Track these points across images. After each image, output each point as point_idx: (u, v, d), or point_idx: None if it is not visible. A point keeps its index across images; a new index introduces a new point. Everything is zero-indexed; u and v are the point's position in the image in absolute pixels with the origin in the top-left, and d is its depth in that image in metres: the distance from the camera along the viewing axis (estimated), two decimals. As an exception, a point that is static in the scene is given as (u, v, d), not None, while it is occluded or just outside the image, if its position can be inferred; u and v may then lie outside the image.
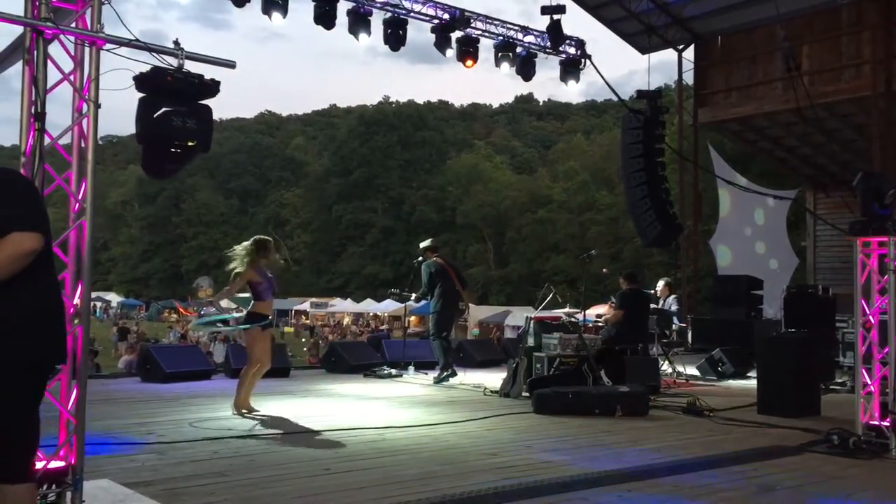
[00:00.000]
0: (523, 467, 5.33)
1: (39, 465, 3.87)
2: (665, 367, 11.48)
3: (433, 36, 13.64)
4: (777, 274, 18.68)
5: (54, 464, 3.93)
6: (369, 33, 12.98)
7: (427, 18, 13.57)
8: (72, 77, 4.24)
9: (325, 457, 5.58)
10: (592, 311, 11.92)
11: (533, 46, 14.77)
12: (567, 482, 4.84)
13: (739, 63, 17.68)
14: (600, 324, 11.10)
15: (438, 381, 10.45)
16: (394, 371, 11.26)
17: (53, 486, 3.92)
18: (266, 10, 11.88)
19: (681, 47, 19.00)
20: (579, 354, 8.78)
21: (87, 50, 4.31)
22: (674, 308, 12.66)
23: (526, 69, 15.04)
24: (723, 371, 12.06)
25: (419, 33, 14.12)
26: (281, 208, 78.09)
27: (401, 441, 6.18)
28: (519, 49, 14.62)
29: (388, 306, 56.64)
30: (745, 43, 17.57)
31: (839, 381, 11.12)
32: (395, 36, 13.21)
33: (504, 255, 63.45)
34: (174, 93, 4.40)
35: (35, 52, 4.06)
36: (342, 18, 12.49)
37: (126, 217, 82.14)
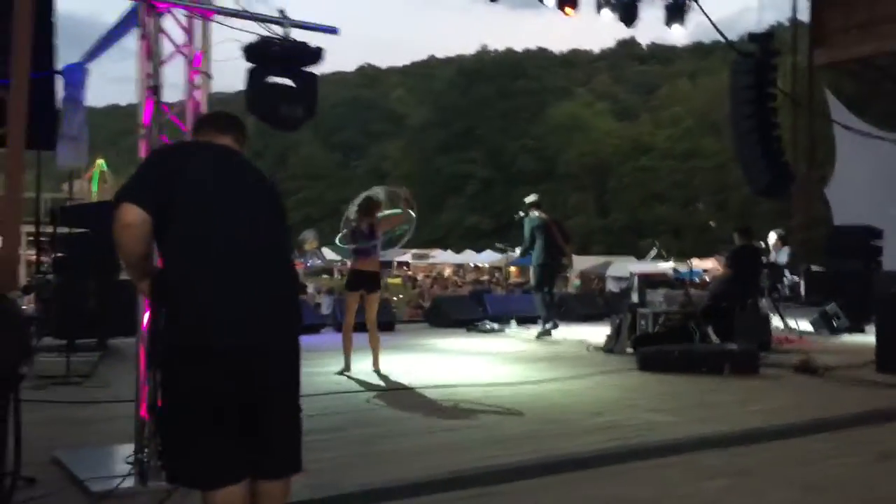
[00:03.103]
0: (628, 428, 5.31)
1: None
2: (776, 322, 11.14)
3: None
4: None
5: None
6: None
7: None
8: (184, 49, 4.40)
9: (434, 414, 5.71)
10: (699, 264, 11.59)
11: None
12: (672, 445, 4.80)
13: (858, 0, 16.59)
14: (707, 279, 10.83)
15: (540, 335, 10.49)
16: (496, 325, 11.37)
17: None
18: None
19: (794, -14, 17.99)
20: (685, 311, 8.60)
21: (197, 22, 4.45)
22: (785, 261, 12.22)
23: (628, 15, 14.55)
24: (838, 326, 11.62)
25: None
26: (382, 161, 78.90)
27: (505, 399, 6.24)
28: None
29: (489, 257, 56.85)
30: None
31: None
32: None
33: (605, 205, 62.44)
34: (281, 61, 4.50)
35: (149, 26, 4.22)
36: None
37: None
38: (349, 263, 7.98)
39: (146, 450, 4.08)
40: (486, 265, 55.51)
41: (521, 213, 10.95)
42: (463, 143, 71.20)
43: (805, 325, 11.90)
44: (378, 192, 7.97)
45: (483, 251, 57.65)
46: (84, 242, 8.77)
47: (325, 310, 19.22)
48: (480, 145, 71.35)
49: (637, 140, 62.26)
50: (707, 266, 11.30)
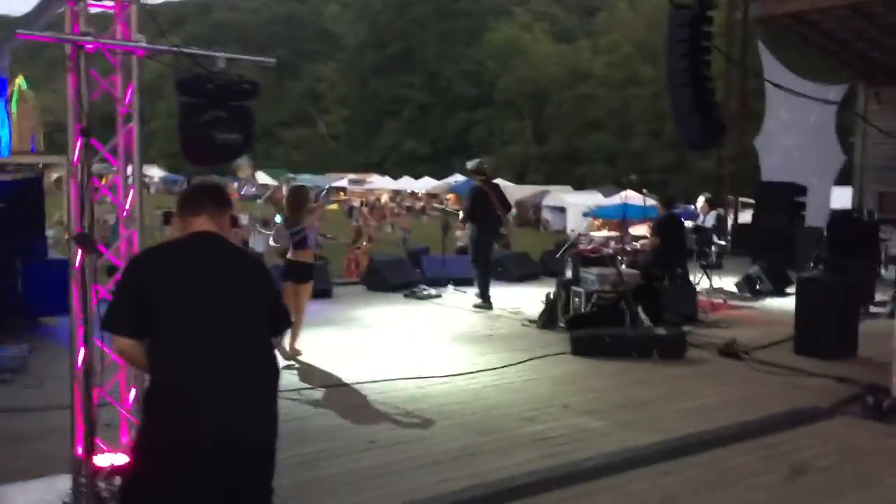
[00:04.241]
0: (560, 438, 5.53)
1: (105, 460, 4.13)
2: (704, 284, 11.54)
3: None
4: (822, 173, 18.28)
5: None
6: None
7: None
8: (115, 86, 4.24)
9: (370, 425, 5.80)
10: (634, 231, 11.87)
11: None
12: (602, 466, 5.02)
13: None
14: (638, 247, 11.10)
15: (477, 306, 10.66)
16: (433, 291, 11.48)
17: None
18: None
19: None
20: (617, 291, 8.83)
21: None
22: (712, 224, 12.59)
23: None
24: (761, 289, 12.09)
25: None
26: (316, 82, 77.11)
27: (441, 399, 6.39)
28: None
29: (426, 184, 56.80)
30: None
31: (880, 300, 11.09)
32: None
33: (543, 133, 62.53)
34: (215, 97, 4.37)
35: (78, 67, 4.04)
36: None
37: (163, 89, 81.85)
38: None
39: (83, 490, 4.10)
40: (423, 192, 55.54)
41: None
42: (400, 65, 70.05)
43: (731, 286, 12.38)
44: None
45: (421, 178, 57.59)
46: (8, 219, 8.50)
47: (259, 247, 18.88)
48: (418, 68, 70.34)
49: (575, 67, 62.10)
50: (639, 233, 11.54)
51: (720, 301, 11.29)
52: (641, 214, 24.66)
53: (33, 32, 4.03)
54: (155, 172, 67.32)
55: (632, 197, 19.61)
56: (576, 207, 40.09)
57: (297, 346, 7.57)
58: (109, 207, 6.07)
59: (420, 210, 49.85)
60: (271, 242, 7.69)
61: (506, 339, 8.81)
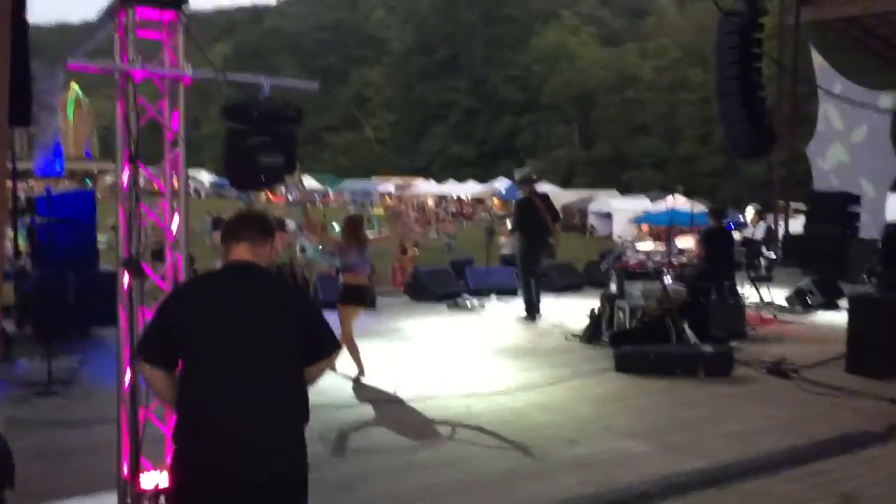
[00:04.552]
0: (602, 462, 5.47)
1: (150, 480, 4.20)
2: (753, 296, 11.32)
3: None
4: (877, 180, 17.84)
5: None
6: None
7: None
8: (162, 113, 4.32)
9: (410, 442, 5.82)
10: (681, 242, 11.70)
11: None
12: (643, 493, 4.95)
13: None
14: (684, 260, 10.94)
15: (521, 318, 10.62)
16: (476, 301, 11.47)
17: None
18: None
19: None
20: (662, 307, 8.72)
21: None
22: (762, 236, 12.36)
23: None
24: (811, 302, 11.84)
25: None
26: (363, 87, 77.69)
27: (484, 418, 6.37)
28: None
29: (471, 188, 56.84)
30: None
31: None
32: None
33: (589, 137, 62.13)
34: (260, 123, 4.42)
35: (126, 95, 4.12)
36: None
37: (213, 94, 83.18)
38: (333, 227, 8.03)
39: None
40: (469, 197, 55.58)
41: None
42: (446, 70, 70.25)
43: (780, 299, 12.14)
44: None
45: (466, 181, 57.65)
46: (62, 232, 8.72)
47: (309, 253, 19.06)
48: (464, 73, 70.41)
49: (623, 71, 61.62)
50: (687, 245, 11.36)
51: (770, 315, 11.07)
52: (688, 221, 24.36)
53: (82, 61, 4.11)
54: (205, 177, 68.34)
55: (679, 203, 19.44)
56: (622, 213, 39.68)
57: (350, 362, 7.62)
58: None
59: (465, 215, 49.91)
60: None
61: (549, 354, 8.76)
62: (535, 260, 10.62)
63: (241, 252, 3.14)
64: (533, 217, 10.48)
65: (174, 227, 4.42)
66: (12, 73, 3.66)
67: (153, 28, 4.40)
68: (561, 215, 11.61)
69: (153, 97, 4.38)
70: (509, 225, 11.47)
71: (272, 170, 4.58)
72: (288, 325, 3.06)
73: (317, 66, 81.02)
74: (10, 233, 8.67)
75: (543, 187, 43.72)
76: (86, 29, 5.55)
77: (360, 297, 7.68)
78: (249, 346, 2.91)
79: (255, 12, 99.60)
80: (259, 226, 3.27)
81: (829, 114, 18.45)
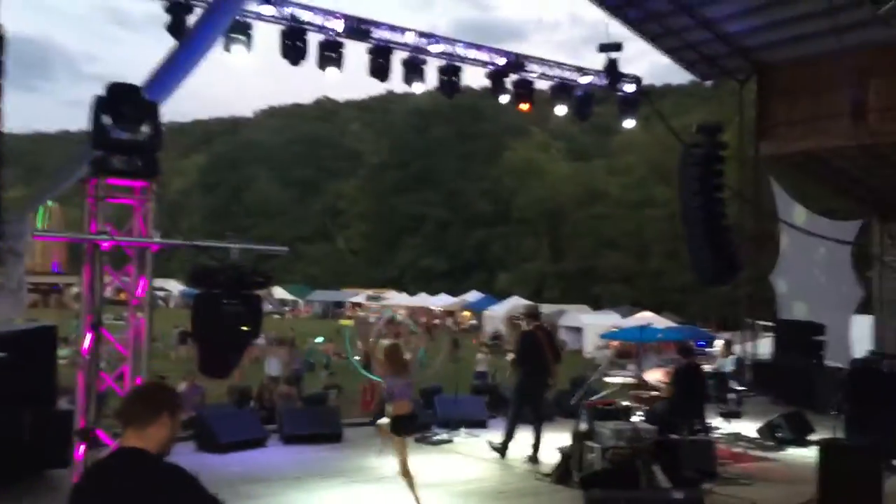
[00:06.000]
0: None
1: None
2: (721, 429, 11.30)
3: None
4: (840, 305, 18.16)
5: None
6: (423, 81, 13.10)
7: (482, 64, 13.59)
8: (128, 282, 4.31)
9: None
10: (650, 376, 11.75)
11: (591, 87, 14.70)
12: None
13: (803, 95, 17.09)
14: (655, 393, 10.95)
15: (495, 448, 10.45)
16: (445, 435, 11.33)
17: None
18: (322, 65, 12.14)
19: (741, 77, 18.54)
20: (633, 447, 8.63)
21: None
22: (731, 369, 12.44)
23: (583, 110, 14.93)
24: (781, 437, 11.81)
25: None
26: (338, 199, 78.72)
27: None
28: (576, 91, 14.55)
29: (443, 301, 56.88)
30: (809, 75, 16.97)
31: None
32: (450, 84, 13.30)
33: (559, 250, 62.96)
34: (227, 286, 4.44)
35: (93, 263, 4.13)
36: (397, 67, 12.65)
37: (186, 207, 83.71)
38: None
39: None
40: (440, 309, 55.58)
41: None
42: (420, 183, 71.47)
43: (751, 432, 12.11)
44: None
45: (437, 294, 57.74)
46: (15, 369, 8.49)
47: (273, 371, 18.60)
48: (438, 186, 71.67)
49: (591, 187, 63.08)
50: (657, 376, 11.40)
51: (740, 451, 11.01)
52: (658, 337, 24.43)
53: (50, 233, 4.14)
54: (174, 286, 67.70)
55: (649, 318, 19.61)
56: (593, 328, 39.83)
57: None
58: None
59: (435, 327, 49.75)
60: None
61: (518, 497, 8.57)
62: (529, 394, 10.53)
63: (127, 438, 2.89)
64: (536, 352, 10.44)
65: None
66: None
67: (124, 194, 4.46)
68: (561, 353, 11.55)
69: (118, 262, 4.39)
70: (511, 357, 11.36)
71: (237, 316, 4.58)
72: None
73: (292, 178, 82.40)
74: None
75: (513, 301, 44.13)
76: (57, 167, 5.58)
77: (408, 428, 7.91)
78: None
79: (232, 124, 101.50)
80: (144, 403, 2.97)
81: (790, 245, 18.98)
